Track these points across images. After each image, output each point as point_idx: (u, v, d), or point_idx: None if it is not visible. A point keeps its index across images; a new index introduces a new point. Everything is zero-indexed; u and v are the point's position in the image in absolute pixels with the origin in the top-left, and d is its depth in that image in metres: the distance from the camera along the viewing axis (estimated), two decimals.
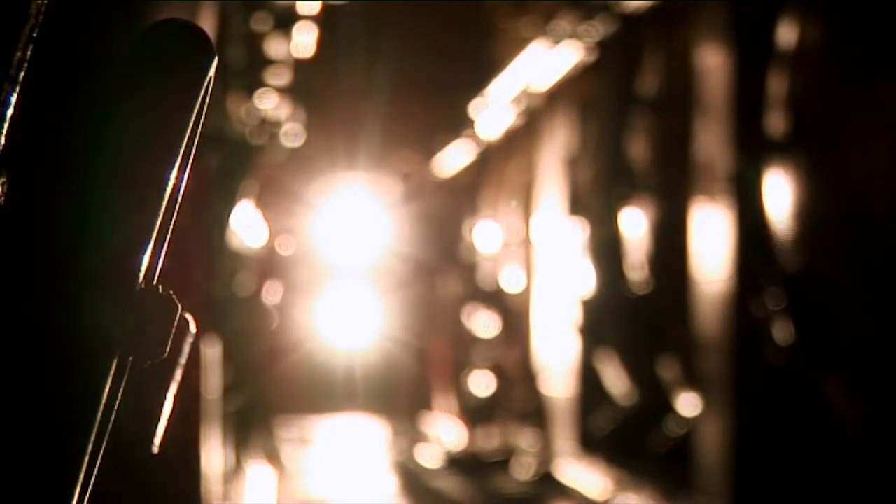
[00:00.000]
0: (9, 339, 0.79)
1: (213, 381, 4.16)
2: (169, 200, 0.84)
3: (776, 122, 4.45)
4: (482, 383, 11.18)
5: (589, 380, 7.87)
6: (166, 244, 0.90)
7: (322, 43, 6.83)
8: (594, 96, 8.00)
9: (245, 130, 5.74)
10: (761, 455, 5.30)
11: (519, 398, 10.19)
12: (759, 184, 4.59)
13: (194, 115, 0.86)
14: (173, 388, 0.97)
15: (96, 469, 0.85)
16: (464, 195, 12.62)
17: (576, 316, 7.88)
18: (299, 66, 6.66)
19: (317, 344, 12.91)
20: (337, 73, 11.24)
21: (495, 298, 11.05)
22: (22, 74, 0.81)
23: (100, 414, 0.81)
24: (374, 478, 9.38)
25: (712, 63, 5.70)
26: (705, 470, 5.80)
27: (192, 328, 0.92)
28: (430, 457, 10.17)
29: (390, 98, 11.93)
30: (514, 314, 10.57)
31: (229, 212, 4.50)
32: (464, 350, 11.73)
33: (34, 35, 0.81)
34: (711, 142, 5.70)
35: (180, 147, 0.84)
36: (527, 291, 10.14)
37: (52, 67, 0.90)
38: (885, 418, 4.14)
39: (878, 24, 4.01)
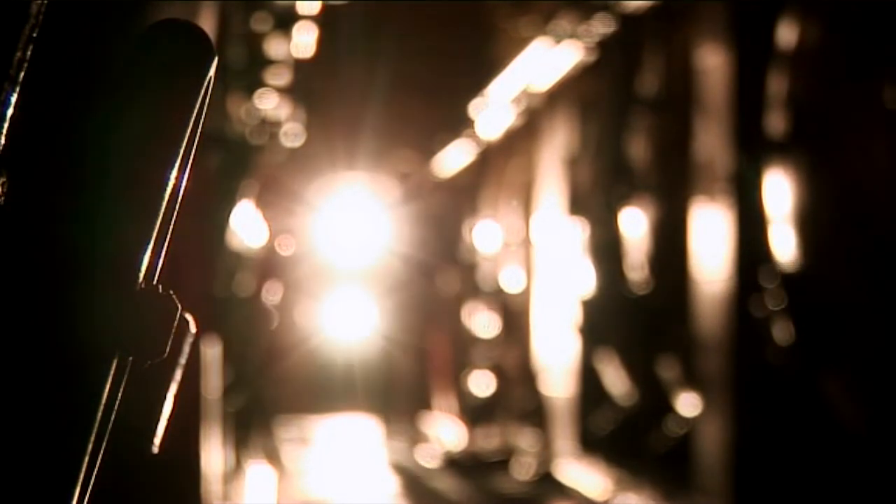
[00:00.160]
0: (9, 340, 0.79)
1: (213, 381, 4.16)
2: (169, 200, 0.84)
3: (776, 122, 4.45)
4: (482, 383, 11.18)
5: (589, 380, 7.87)
6: (166, 244, 0.90)
7: (322, 43, 6.83)
8: (594, 96, 7.99)
9: (245, 130, 5.74)
10: (761, 455, 5.30)
11: (519, 398, 10.19)
12: (759, 184, 4.58)
13: (194, 115, 0.86)
14: (173, 388, 0.97)
15: (96, 469, 0.85)
16: (464, 195, 12.62)
17: (576, 316, 7.88)
18: (299, 66, 6.66)
19: (317, 344, 12.91)
20: (337, 73, 11.23)
21: (495, 298, 11.05)
22: (22, 74, 0.81)
23: (100, 414, 0.81)
24: (373, 478, 9.38)
25: (712, 63, 5.70)
26: (705, 470, 5.80)
27: (192, 328, 0.92)
28: (429, 457, 10.17)
29: (390, 98, 11.93)
30: (514, 314, 10.57)
31: (229, 212, 4.50)
32: (464, 350, 11.73)
33: (34, 35, 0.81)
34: (711, 142, 5.70)
35: (180, 147, 0.84)
36: (527, 291, 10.14)
37: (52, 67, 0.90)
38: (885, 418, 4.14)
39: (877, 24, 4.01)
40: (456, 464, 9.80)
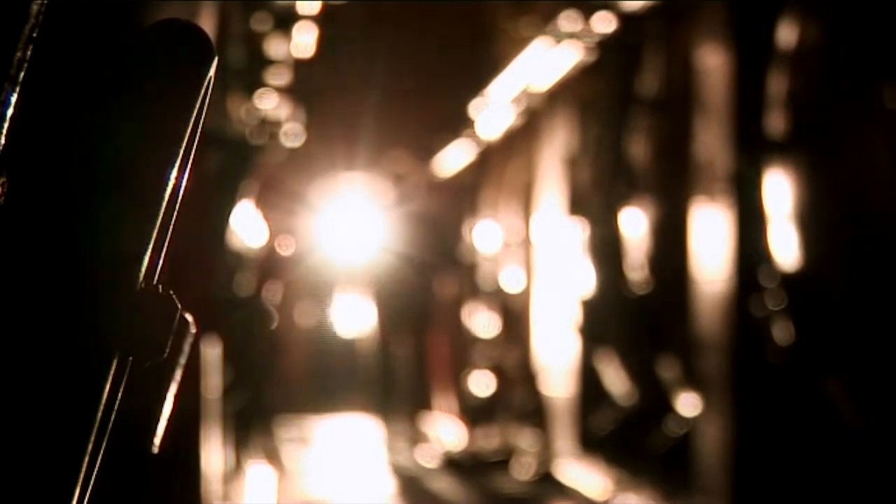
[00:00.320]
0: (9, 340, 0.79)
1: (213, 381, 4.16)
2: (169, 201, 0.84)
3: (776, 122, 4.45)
4: (482, 383, 11.18)
5: (589, 380, 7.87)
6: (166, 244, 0.90)
7: (322, 43, 6.83)
8: (594, 96, 7.99)
9: (245, 130, 5.74)
10: (761, 455, 5.29)
11: (519, 398, 10.19)
12: (759, 184, 4.58)
13: (194, 115, 0.86)
14: (173, 388, 0.97)
15: (96, 469, 0.85)
16: (464, 195, 12.61)
17: (576, 316, 7.88)
18: (299, 66, 6.66)
19: (317, 343, 12.91)
20: (337, 73, 11.24)
21: (495, 298, 11.05)
22: (22, 74, 0.81)
23: (100, 414, 0.81)
24: (373, 478, 9.38)
25: (712, 63, 5.70)
26: (705, 470, 5.80)
27: (192, 328, 0.92)
28: (429, 457, 10.17)
29: (390, 98, 11.93)
30: (514, 314, 10.57)
31: (229, 212, 4.50)
32: (464, 350, 11.73)
33: (34, 35, 0.81)
34: (711, 142, 5.70)
35: (180, 147, 0.84)
36: (527, 291, 10.14)
37: (52, 67, 0.90)
38: (886, 418, 4.14)
39: (877, 24, 4.01)
40: (456, 464, 9.80)
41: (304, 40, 6.38)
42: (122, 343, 0.82)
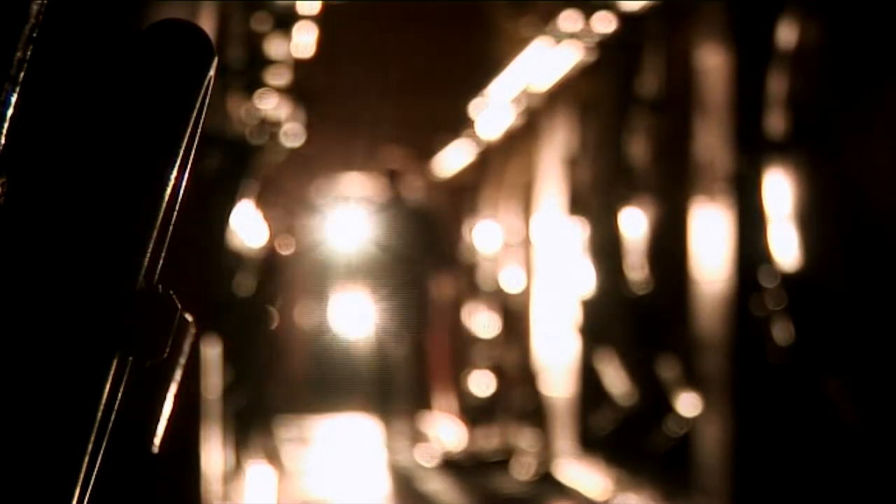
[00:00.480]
0: (9, 340, 0.79)
1: (213, 381, 4.16)
2: (169, 201, 0.84)
3: (776, 122, 4.45)
4: (482, 383, 11.18)
5: (589, 380, 7.87)
6: (166, 244, 0.90)
7: (322, 43, 6.83)
8: (594, 96, 7.99)
9: (245, 130, 5.74)
10: (761, 455, 5.30)
11: (519, 398, 10.19)
12: (759, 184, 4.59)
13: (194, 115, 0.86)
14: (173, 388, 0.97)
15: (96, 469, 0.85)
16: (464, 195, 12.61)
17: (576, 316, 7.88)
18: (299, 66, 6.66)
19: (317, 343, 12.91)
20: (337, 73, 11.23)
21: (495, 298, 11.05)
22: (22, 74, 0.81)
23: (100, 414, 0.81)
24: (373, 478, 9.38)
25: (712, 63, 5.70)
26: (705, 470, 5.80)
27: (192, 328, 0.92)
28: (429, 457, 10.17)
29: (390, 98, 11.93)
30: (514, 314, 10.57)
31: (229, 212, 4.49)
32: (464, 350, 11.73)
33: (34, 35, 0.81)
34: (711, 142, 5.70)
35: (180, 147, 0.84)
36: (527, 291, 10.14)
37: (52, 67, 0.90)
38: (886, 418, 4.14)
39: (878, 24, 4.01)
40: (456, 464, 9.80)
41: (304, 40, 6.38)
42: (122, 343, 0.82)
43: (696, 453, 5.92)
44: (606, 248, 7.00)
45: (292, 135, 7.67)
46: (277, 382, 11.23)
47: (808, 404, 4.81)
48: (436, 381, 12.34)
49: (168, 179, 0.83)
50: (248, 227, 5.36)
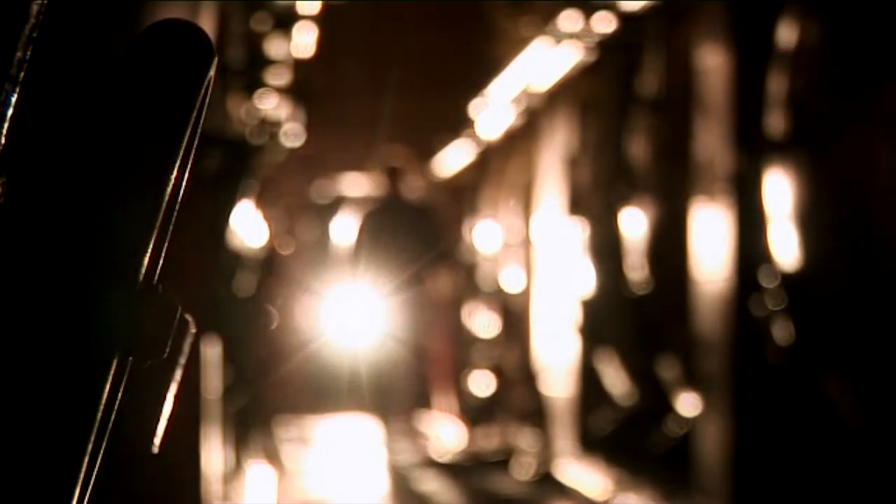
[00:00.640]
0: (9, 340, 0.79)
1: (213, 381, 4.16)
2: (169, 200, 0.84)
3: (776, 122, 4.46)
4: (482, 383, 11.18)
5: (589, 380, 7.87)
6: (166, 244, 0.90)
7: (322, 43, 6.83)
8: (594, 96, 7.99)
9: (245, 130, 5.74)
10: (761, 455, 5.30)
11: (519, 398, 10.19)
12: (759, 184, 4.59)
13: (194, 115, 0.86)
14: (173, 388, 0.97)
15: (96, 469, 0.85)
16: (464, 195, 12.61)
17: (576, 316, 7.88)
18: (299, 66, 6.67)
19: (317, 344, 12.90)
20: (337, 73, 11.24)
21: (495, 298, 11.05)
22: (22, 74, 0.81)
23: (100, 414, 0.81)
24: (373, 478, 9.38)
25: (712, 63, 5.70)
26: (705, 470, 5.80)
27: (192, 328, 0.92)
28: (429, 457, 10.17)
29: (390, 98, 11.93)
30: (514, 314, 10.57)
31: (229, 212, 4.50)
32: (464, 350, 11.73)
33: (34, 35, 0.81)
34: (711, 142, 5.70)
35: (180, 147, 0.84)
36: (527, 291, 10.14)
37: (52, 67, 0.90)
38: (886, 418, 4.14)
39: (878, 24, 4.01)
40: (456, 464, 9.80)
41: (304, 40, 6.38)
42: (122, 343, 0.82)
43: (696, 453, 5.92)
44: (606, 248, 7.00)
45: (292, 135, 7.68)
46: (277, 382, 11.23)
47: (807, 404, 4.81)
48: (436, 380, 12.34)
49: (168, 179, 0.83)
50: (247, 226, 5.36)
